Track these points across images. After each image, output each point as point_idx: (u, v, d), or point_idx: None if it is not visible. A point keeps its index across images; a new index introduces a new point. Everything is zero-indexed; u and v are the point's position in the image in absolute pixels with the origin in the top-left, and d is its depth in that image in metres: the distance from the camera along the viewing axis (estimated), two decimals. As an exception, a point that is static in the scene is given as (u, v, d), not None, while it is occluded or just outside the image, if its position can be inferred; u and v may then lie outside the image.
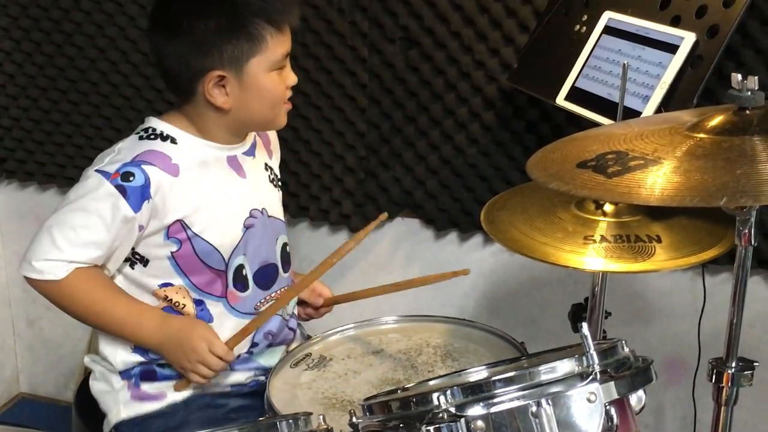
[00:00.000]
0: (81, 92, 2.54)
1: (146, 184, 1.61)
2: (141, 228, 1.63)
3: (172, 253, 1.68)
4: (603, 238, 1.54)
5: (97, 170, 1.63)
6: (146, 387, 1.75)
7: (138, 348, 1.74)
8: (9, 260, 2.86)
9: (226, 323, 1.75)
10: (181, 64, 1.65)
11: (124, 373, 1.76)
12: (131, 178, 1.60)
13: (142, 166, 1.62)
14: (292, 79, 1.70)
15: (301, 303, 1.96)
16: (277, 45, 1.64)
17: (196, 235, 1.68)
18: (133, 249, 1.68)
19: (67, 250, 1.60)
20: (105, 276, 1.67)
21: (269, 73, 1.65)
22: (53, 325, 2.89)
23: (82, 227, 1.60)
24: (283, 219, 1.87)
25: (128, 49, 2.44)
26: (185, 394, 1.75)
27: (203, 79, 1.64)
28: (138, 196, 1.60)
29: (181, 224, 1.66)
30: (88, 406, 1.82)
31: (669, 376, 2.28)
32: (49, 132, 2.62)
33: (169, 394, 1.75)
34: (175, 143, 1.68)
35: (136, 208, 1.60)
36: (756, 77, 1.30)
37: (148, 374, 1.75)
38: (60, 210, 1.63)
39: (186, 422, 1.72)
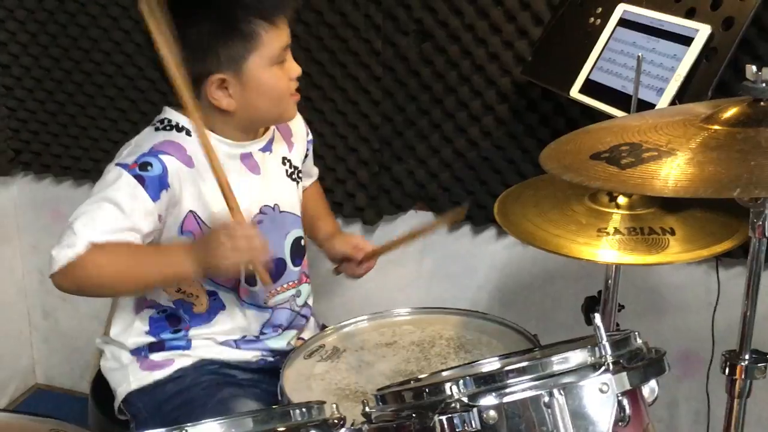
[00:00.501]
0: (96, 84, 2.55)
1: (164, 174, 1.62)
2: (160, 218, 1.64)
3: None
4: (617, 231, 1.54)
5: (117, 164, 1.64)
6: (154, 356, 1.77)
7: (152, 329, 1.76)
8: (25, 252, 2.88)
9: (238, 313, 1.77)
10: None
11: (134, 350, 1.78)
12: (149, 168, 1.61)
13: (159, 156, 1.63)
14: (295, 70, 1.70)
15: (343, 260, 1.98)
16: (273, 39, 1.64)
17: (209, 228, 1.68)
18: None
19: (82, 233, 1.57)
20: (124, 243, 1.61)
21: (270, 68, 1.65)
22: (69, 316, 2.91)
23: (100, 216, 1.59)
24: (297, 214, 1.87)
25: (143, 41, 2.44)
26: (193, 359, 1.77)
27: (205, 84, 1.64)
28: (156, 185, 1.61)
29: (194, 216, 1.67)
30: (104, 396, 1.84)
31: (683, 369, 2.27)
32: (64, 124, 2.63)
33: (177, 361, 1.77)
34: (190, 135, 1.68)
35: (155, 197, 1.61)
36: (771, 69, 1.30)
37: (156, 346, 1.77)
38: (82, 205, 1.62)
39: (195, 384, 1.74)
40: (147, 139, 1.68)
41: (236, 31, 1.61)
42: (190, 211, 1.67)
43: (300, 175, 1.90)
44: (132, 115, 2.55)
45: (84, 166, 2.66)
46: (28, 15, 2.52)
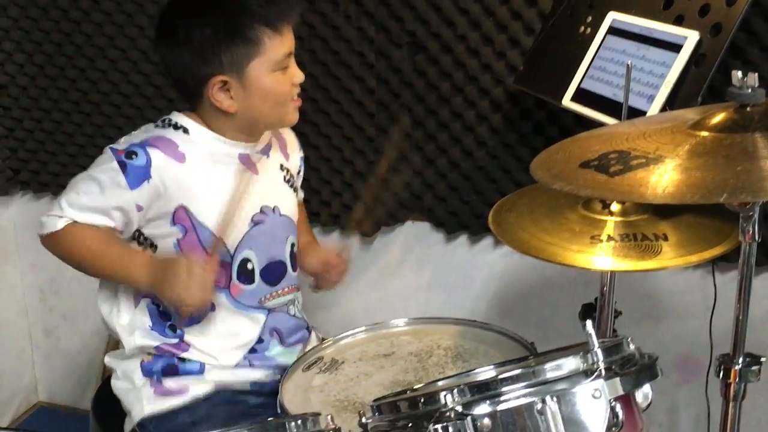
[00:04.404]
0: (92, 103, 2.57)
1: (147, 165, 1.66)
2: (139, 208, 1.67)
3: (178, 240, 1.72)
4: (610, 238, 1.54)
5: (110, 147, 1.69)
6: (169, 383, 1.77)
7: (155, 327, 1.77)
8: (25, 271, 2.89)
9: (227, 314, 1.79)
10: (185, 72, 1.69)
11: (146, 371, 1.78)
12: (133, 157, 1.66)
13: (147, 148, 1.67)
14: (298, 76, 1.73)
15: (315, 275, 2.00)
16: (277, 46, 1.67)
17: (200, 223, 1.71)
18: (141, 232, 1.72)
19: (66, 209, 1.67)
20: (103, 231, 1.68)
21: (272, 74, 1.68)
22: (70, 334, 2.92)
23: (84, 192, 1.67)
24: (295, 220, 1.89)
25: (138, 59, 2.47)
26: (207, 389, 1.77)
27: (207, 85, 1.67)
28: (137, 174, 1.65)
29: (185, 211, 1.70)
30: (105, 411, 1.85)
31: (682, 374, 2.27)
32: (61, 143, 2.65)
33: (191, 389, 1.77)
34: (187, 133, 1.72)
35: (134, 185, 1.65)
36: (756, 74, 1.31)
37: (170, 370, 1.78)
38: (75, 177, 1.70)
39: (209, 416, 1.75)
40: (143, 132, 1.73)
41: (240, 36, 1.64)
42: (181, 205, 1.70)
43: (296, 184, 1.91)
44: (129, 131, 2.54)
45: (82, 184, 2.67)
46: (23, 35, 2.55)
